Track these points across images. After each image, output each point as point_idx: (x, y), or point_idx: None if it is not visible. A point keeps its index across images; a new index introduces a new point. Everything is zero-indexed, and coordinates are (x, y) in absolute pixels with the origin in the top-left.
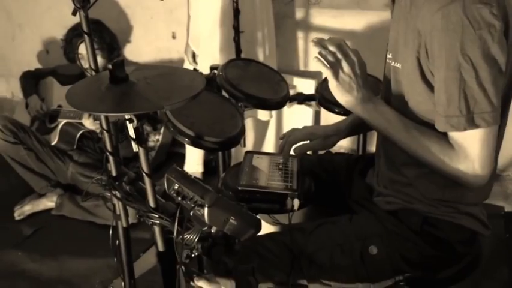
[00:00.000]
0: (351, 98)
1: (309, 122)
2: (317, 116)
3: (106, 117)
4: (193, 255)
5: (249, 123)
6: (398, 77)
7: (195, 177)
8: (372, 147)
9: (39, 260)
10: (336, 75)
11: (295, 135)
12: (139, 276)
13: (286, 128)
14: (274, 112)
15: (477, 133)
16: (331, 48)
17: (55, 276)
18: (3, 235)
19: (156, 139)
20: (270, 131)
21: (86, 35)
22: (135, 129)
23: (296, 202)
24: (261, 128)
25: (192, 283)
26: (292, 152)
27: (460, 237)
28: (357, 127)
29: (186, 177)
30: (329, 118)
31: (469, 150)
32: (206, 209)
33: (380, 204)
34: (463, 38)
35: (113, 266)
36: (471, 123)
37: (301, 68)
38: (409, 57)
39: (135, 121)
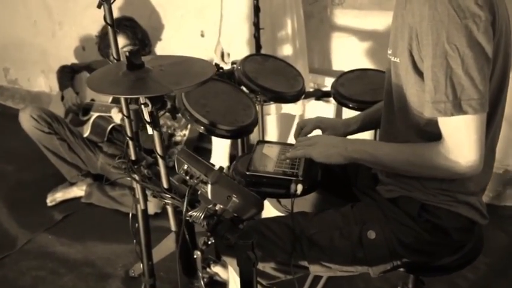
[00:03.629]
0: (337, 150)
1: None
2: (338, 112)
3: (127, 105)
4: (210, 243)
5: (273, 120)
6: (397, 71)
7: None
8: None
9: (68, 243)
10: (315, 149)
11: (305, 129)
12: (158, 261)
13: None
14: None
15: (465, 120)
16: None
17: (81, 258)
18: (36, 219)
19: (182, 134)
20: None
21: (109, 26)
22: (150, 113)
23: (299, 187)
24: (285, 124)
25: (208, 269)
26: None
27: (457, 225)
28: (367, 123)
29: (193, 157)
30: (350, 115)
31: (459, 138)
32: (209, 186)
33: (382, 192)
34: (449, 27)
35: (134, 252)
36: (458, 109)
37: (326, 66)
38: (404, 51)
39: (150, 105)
